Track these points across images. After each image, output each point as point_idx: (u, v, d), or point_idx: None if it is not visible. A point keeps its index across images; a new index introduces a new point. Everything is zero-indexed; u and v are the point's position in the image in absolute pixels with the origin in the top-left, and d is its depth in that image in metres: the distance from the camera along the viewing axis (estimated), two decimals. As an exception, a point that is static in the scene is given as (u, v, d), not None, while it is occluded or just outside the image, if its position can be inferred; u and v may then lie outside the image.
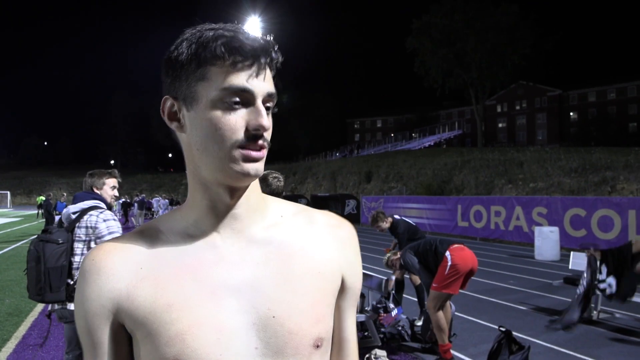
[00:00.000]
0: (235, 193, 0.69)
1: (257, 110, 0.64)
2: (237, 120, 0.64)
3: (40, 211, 30.17)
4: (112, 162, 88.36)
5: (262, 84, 0.65)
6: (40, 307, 6.17)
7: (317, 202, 24.42)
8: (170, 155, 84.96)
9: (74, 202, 3.03)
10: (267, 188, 2.88)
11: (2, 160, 79.15)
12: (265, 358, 0.65)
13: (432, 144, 48.12)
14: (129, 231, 0.75)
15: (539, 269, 9.64)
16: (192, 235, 0.70)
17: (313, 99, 70.10)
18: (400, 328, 4.91)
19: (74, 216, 2.91)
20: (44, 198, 31.25)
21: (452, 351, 4.31)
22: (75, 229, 2.86)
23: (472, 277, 4.40)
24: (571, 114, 58.02)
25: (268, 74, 0.67)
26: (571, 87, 58.09)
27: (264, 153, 0.67)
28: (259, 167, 0.66)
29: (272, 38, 0.68)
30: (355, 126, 79.39)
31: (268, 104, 0.67)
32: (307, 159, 52.58)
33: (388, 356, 4.33)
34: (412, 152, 37.89)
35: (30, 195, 54.94)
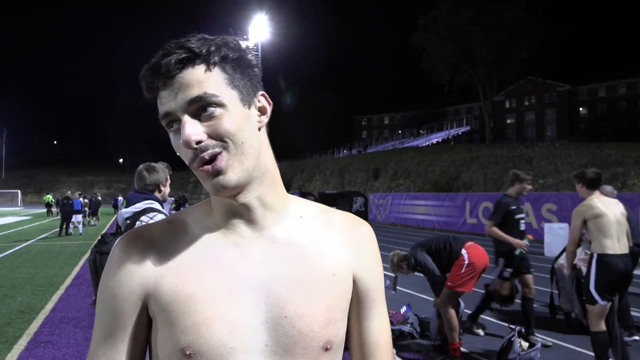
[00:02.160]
0: (239, 198, 0.70)
1: (182, 126, 0.64)
2: (180, 143, 0.66)
3: (50, 209, 30.51)
4: (120, 160, 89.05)
5: (177, 97, 0.64)
6: (51, 305, 6.23)
7: (325, 200, 24.41)
8: (178, 153, 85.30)
9: (127, 204, 2.80)
10: None
11: (12, 159, 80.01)
12: (275, 356, 0.66)
13: (439, 140, 47.97)
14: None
15: (548, 266, 9.53)
16: (216, 232, 0.72)
17: (320, 96, 70.27)
18: (409, 325, 4.90)
19: (128, 221, 2.68)
20: (51, 197, 31.69)
21: (461, 349, 4.30)
22: None
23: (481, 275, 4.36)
24: (581, 109, 57.47)
25: (188, 79, 0.64)
26: (580, 82, 57.52)
27: (219, 164, 0.65)
28: (221, 180, 0.66)
29: (199, 36, 0.66)
30: (363, 123, 79.31)
31: (203, 108, 0.64)
32: (315, 156, 52.64)
33: (397, 354, 4.32)
34: (419, 148, 37.79)
35: (41, 193, 55.61)
